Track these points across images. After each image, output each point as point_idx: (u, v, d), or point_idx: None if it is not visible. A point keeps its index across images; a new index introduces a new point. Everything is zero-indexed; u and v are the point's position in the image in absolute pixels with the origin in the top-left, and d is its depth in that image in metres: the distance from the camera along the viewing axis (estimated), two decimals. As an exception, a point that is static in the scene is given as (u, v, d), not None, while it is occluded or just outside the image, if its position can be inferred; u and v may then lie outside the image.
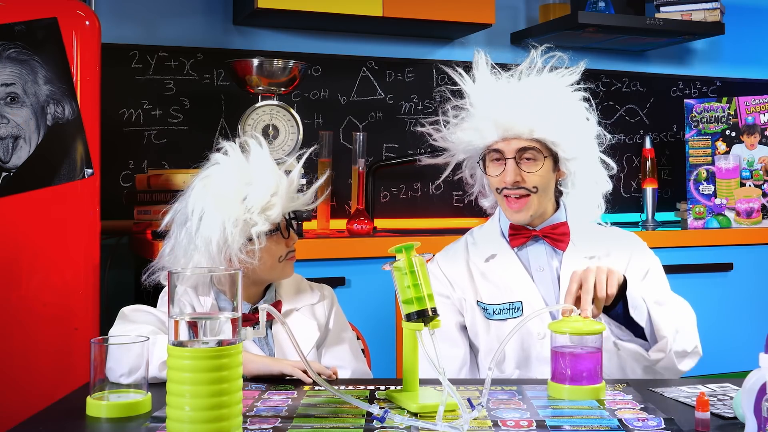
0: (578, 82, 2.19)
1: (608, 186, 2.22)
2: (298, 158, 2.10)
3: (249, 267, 2.00)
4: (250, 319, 2.00)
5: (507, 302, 2.15)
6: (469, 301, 2.21)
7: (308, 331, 2.10)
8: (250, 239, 1.96)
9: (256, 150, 2.04)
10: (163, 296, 2.08)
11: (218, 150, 2.07)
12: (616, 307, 1.95)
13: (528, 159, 2.13)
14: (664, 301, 2.07)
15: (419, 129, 2.27)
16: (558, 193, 2.24)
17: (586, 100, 2.20)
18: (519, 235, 2.20)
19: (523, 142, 2.12)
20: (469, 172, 2.29)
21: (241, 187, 1.97)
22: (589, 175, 2.19)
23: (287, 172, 2.05)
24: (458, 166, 2.29)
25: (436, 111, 2.27)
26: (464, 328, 2.23)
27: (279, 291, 2.13)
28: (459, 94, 2.20)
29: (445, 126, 2.22)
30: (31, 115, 2.58)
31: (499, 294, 2.17)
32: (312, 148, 2.20)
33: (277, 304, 2.09)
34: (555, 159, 2.16)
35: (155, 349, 1.78)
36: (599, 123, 2.22)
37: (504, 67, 2.19)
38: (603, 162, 2.21)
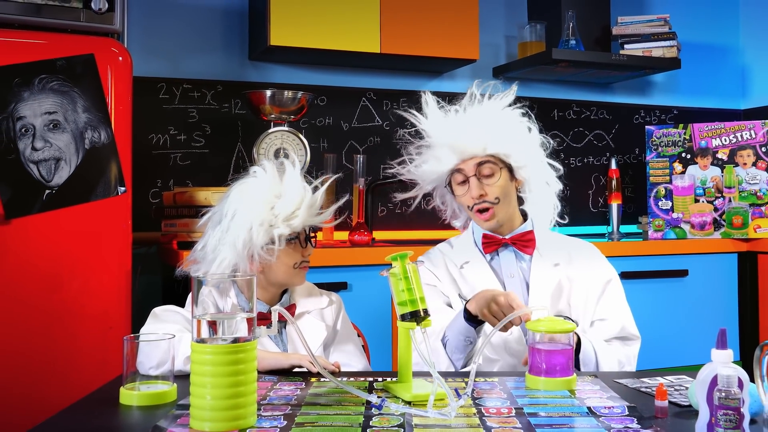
0: (514, 103, 2.21)
1: (559, 185, 2.23)
2: (323, 183, 2.09)
3: (267, 267, 2.02)
4: (266, 319, 2.00)
5: None
6: (452, 295, 2.21)
7: (317, 331, 2.10)
8: (272, 242, 1.98)
9: (290, 170, 2.06)
10: (190, 298, 2.08)
11: (257, 166, 2.09)
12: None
13: (486, 174, 2.15)
14: (612, 330, 2.12)
15: (389, 171, 2.29)
16: (520, 203, 2.25)
17: (526, 114, 2.22)
18: (491, 243, 2.21)
19: (479, 159, 2.14)
20: (440, 200, 2.31)
21: (271, 198, 2.00)
22: (540, 177, 2.21)
23: (315, 188, 2.07)
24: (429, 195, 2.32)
25: (402, 150, 2.29)
26: (450, 306, 2.23)
27: (293, 296, 2.14)
28: (418, 134, 2.23)
29: (410, 162, 2.24)
30: (71, 140, 2.58)
31: (474, 294, 2.17)
32: (336, 176, 2.22)
33: (291, 307, 2.09)
34: (510, 169, 2.18)
35: (181, 345, 1.78)
36: (541, 132, 2.24)
37: (485, 97, 2.20)
38: (550, 165, 2.23)
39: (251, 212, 1.97)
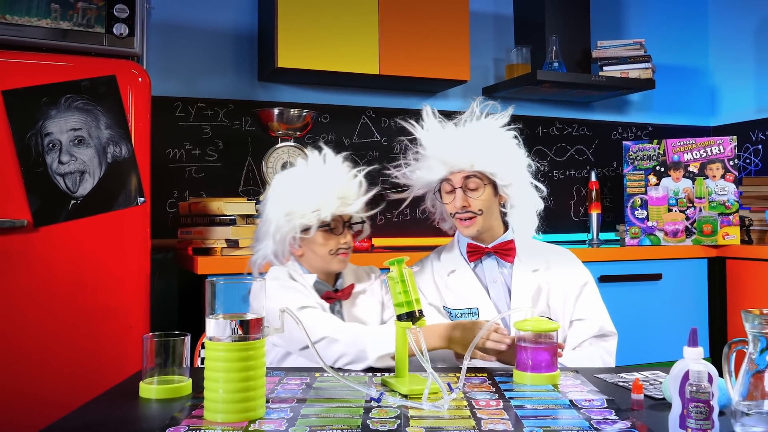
0: (508, 124, 2.19)
1: (541, 205, 2.21)
2: (360, 171, 2.11)
3: (305, 252, 2.05)
4: (332, 297, 2.06)
5: (466, 308, 2.16)
6: (437, 307, 2.21)
7: (372, 308, 2.14)
8: (304, 230, 1.99)
9: (329, 160, 2.07)
10: (276, 276, 2.03)
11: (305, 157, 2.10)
12: None
13: (472, 188, 2.14)
14: (586, 331, 2.12)
15: (387, 171, 2.27)
16: (503, 215, 2.24)
17: (516, 137, 2.19)
18: (475, 252, 2.21)
19: (466, 173, 2.13)
20: (430, 203, 2.29)
21: (305, 187, 2.00)
22: (523, 197, 2.18)
23: (355, 175, 2.08)
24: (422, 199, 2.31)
25: (401, 156, 2.27)
26: None
27: (346, 278, 2.15)
28: (414, 143, 2.21)
29: (405, 167, 2.23)
30: (94, 154, 2.59)
31: (459, 301, 2.18)
32: (372, 167, 2.21)
33: (349, 287, 2.11)
34: (495, 186, 2.17)
35: (369, 340, 1.85)
36: (528, 155, 2.21)
37: (482, 115, 2.20)
38: (534, 186, 2.20)
39: (283, 201, 1.99)
